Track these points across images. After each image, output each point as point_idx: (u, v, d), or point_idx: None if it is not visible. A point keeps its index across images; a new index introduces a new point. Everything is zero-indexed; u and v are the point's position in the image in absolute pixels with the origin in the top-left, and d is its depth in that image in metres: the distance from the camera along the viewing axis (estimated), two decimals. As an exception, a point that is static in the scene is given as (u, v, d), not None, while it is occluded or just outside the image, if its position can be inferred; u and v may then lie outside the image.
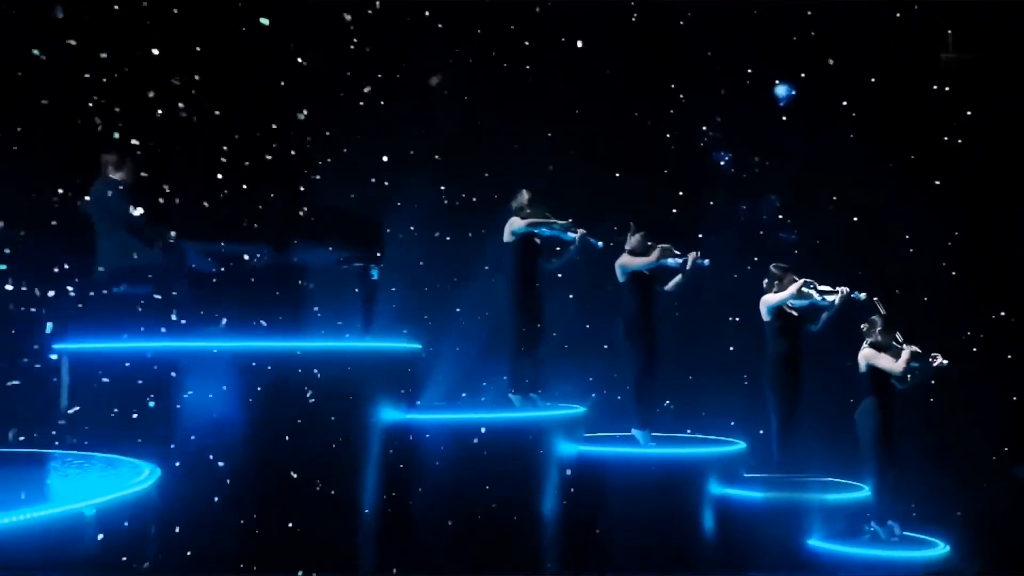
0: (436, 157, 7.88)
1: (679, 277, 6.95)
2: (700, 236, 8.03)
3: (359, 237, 6.30)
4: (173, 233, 5.32)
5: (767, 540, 6.62)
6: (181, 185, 5.96)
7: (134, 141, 5.79)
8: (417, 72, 7.87)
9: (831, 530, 6.68)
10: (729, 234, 8.35)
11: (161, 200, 5.78)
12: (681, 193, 8.54)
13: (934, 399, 7.78)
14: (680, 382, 8.03)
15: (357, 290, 6.36)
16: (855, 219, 8.42)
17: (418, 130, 7.71)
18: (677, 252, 6.91)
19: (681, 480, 6.77)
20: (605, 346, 7.67)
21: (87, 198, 5.41)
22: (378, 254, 6.33)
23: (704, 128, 8.77)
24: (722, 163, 8.85)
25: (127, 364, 4.92)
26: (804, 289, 6.92)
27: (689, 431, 7.87)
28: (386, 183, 7.60)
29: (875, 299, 6.87)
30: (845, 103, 8.38)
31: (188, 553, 4.62)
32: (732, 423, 7.80)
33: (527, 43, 8.15)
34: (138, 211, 5.27)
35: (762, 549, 6.62)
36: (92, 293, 5.39)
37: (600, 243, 6.90)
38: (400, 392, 5.88)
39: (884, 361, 6.58)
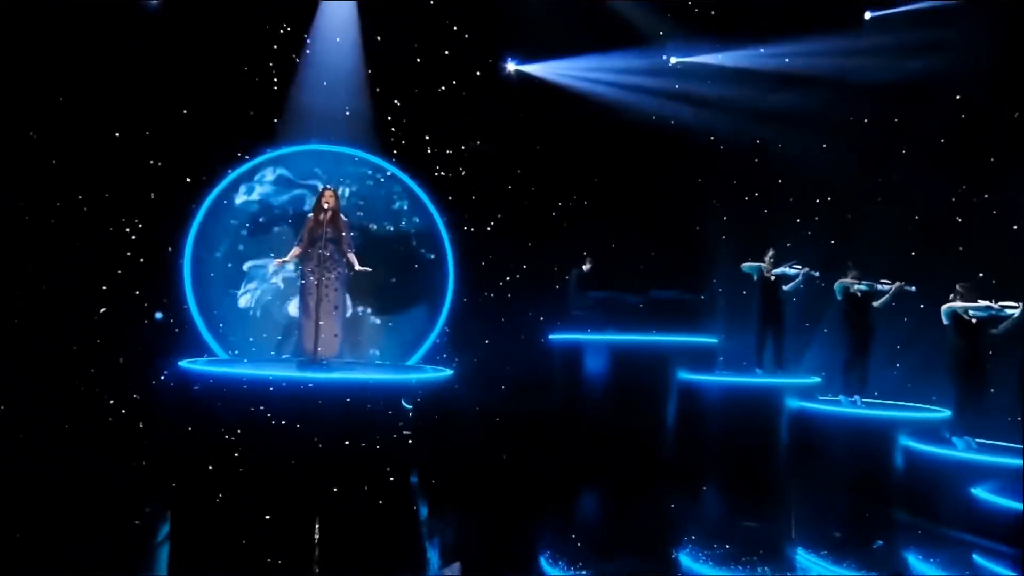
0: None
1: (886, 297, 10.59)
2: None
3: (689, 286, 12.38)
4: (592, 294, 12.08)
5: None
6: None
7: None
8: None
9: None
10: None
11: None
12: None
13: None
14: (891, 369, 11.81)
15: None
16: None
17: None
18: (886, 281, 10.74)
19: (878, 436, 9.90)
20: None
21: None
22: (700, 295, 12.39)
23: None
24: None
25: (571, 347, 11.63)
26: (982, 303, 9.39)
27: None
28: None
29: None
30: None
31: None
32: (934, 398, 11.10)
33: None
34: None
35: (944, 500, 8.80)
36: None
37: (817, 274, 11.30)
38: (701, 365, 11.46)
39: None
